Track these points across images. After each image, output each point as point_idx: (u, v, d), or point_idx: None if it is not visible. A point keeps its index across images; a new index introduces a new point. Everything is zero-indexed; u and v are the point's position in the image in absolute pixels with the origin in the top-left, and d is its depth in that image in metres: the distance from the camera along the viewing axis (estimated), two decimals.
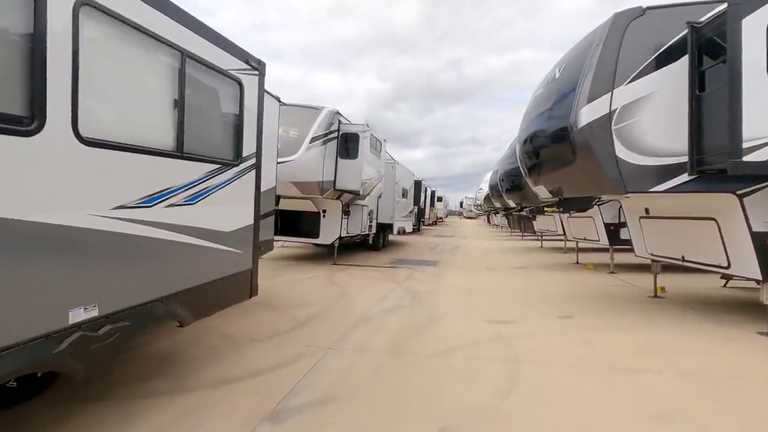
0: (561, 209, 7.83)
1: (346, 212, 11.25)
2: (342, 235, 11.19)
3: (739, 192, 4.56)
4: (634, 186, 4.63)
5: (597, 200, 6.60)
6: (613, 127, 4.65)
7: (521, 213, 9.87)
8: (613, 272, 9.84)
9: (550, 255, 14.52)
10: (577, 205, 7.43)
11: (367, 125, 10.40)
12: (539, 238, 18.66)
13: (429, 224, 39.17)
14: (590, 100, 4.72)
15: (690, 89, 4.58)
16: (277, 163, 8.77)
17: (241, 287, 4.14)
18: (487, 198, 24.57)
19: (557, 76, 5.49)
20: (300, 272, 9.48)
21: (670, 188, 4.62)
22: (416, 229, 28.53)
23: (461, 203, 73.70)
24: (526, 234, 23.51)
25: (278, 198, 10.07)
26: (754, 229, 4.54)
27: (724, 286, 7.95)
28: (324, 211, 10.91)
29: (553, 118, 5.33)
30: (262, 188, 5.16)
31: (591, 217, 10.13)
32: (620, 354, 4.12)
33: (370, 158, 10.89)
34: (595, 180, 4.87)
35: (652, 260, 6.76)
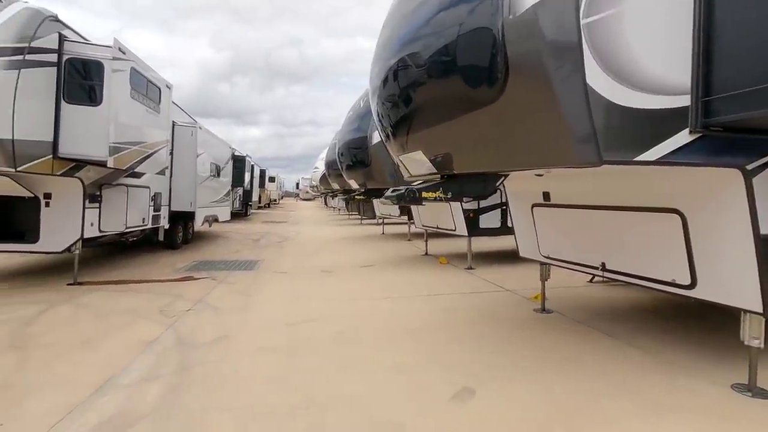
0: (448, 195, 5.47)
1: (94, 197, 6.83)
2: (89, 236, 6.77)
3: (749, 166, 2.62)
4: (614, 150, 2.25)
5: (503, 180, 4.34)
6: (582, 21, 2.15)
7: (381, 200, 7.37)
8: (471, 268, 8.18)
9: (395, 244, 12.63)
10: (474, 188, 5.22)
11: (122, 50, 6.16)
12: (380, 223, 16.92)
13: (260, 207, 34.80)
14: None
15: None
16: None
17: None
18: (323, 178, 21.89)
19: None
20: None
21: (661, 157, 2.39)
22: (243, 214, 24.21)
23: (297, 184, 70.12)
24: (365, 218, 21.83)
25: None
26: (763, 231, 2.69)
27: (590, 281, 6.89)
28: (47, 196, 6.31)
29: (461, 5, 2.55)
30: None
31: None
32: None
33: (133, 108, 6.67)
34: (538, 136, 2.35)
35: (545, 264, 4.90)
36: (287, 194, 76.59)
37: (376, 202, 14.43)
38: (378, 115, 3.73)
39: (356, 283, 7.16)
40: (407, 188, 5.67)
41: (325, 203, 42.18)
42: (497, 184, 4.48)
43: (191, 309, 5.34)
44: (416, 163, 3.44)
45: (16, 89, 4.94)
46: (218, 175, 13.17)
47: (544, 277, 5.06)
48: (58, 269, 7.60)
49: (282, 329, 4.57)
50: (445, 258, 9.33)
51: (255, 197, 28.58)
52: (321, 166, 24.91)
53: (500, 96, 2.31)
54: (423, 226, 10.00)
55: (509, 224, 8.38)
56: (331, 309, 5.40)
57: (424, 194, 5.52)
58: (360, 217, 22.52)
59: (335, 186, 15.00)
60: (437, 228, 9.31)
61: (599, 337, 4.26)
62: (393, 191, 6.16)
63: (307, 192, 58.09)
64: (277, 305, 5.64)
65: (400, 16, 3.17)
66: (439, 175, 3.51)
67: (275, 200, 48.03)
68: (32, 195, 6.22)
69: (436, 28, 2.67)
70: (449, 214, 8.37)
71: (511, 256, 9.33)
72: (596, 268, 3.98)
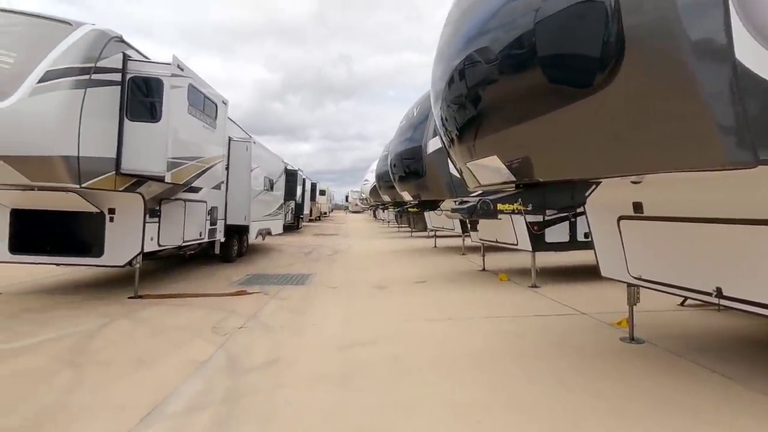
0: (528, 207, 4.93)
1: (154, 212, 6.97)
2: (148, 250, 6.91)
3: None
4: None
5: (594, 187, 3.79)
6: None
7: (448, 213, 6.85)
8: (536, 286, 7.48)
9: (448, 258, 12.09)
10: (560, 198, 4.68)
11: (180, 67, 6.27)
12: (432, 236, 16.42)
13: (311, 220, 35.46)
14: None
15: None
16: None
17: None
18: (373, 190, 21.77)
19: None
20: (42, 325, 5.06)
21: None
22: (295, 227, 24.63)
23: (347, 197, 71.24)
24: (415, 231, 21.40)
25: None
26: None
27: (682, 304, 6.00)
28: (111, 212, 6.50)
29: None
30: None
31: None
32: None
33: (190, 124, 6.78)
34: (664, 131, 1.84)
35: (634, 285, 4.22)
36: (337, 207, 78.02)
37: (427, 214, 13.98)
38: (442, 120, 3.34)
39: (410, 300, 6.74)
40: (480, 199, 5.15)
41: (374, 216, 42.27)
42: (587, 193, 3.88)
43: (243, 326, 5.18)
44: (488, 170, 3.00)
45: (82, 108, 5.10)
46: (271, 188, 13.36)
47: (633, 301, 4.37)
48: (121, 282, 7.85)
49: (335, 353, 4.25)
50: (505, 274, 8.68)
51: (306, 210, 29.09)
52: (371, 179, 24.90)
53: (610, 82, 1.84)
54: (480, 239, 9.41)
55: (578, 238, 7.67)
56: (385, 330, 5.02)
57: (500, 206, 4.98)
58: (410, 229, 22.13)
59: (386, 198, 14.75)
60: (496, 242, 8.69)
61: (709, 376, 3.53)
62: (462, 203, 5.66)
63: (357, 205, 58.75)
64: (329, 325, 5.34)
65: (472, 2, 2.78)
66: (512, 185, 3.05)
67: (325, 213, 48.91)
68: (98, 210, 6.44)
69: (523, 9, 2.24)
70: (511, 227, 7.76)
71: (579, 273, 8.51)
72: (708, 294, 3.30)
